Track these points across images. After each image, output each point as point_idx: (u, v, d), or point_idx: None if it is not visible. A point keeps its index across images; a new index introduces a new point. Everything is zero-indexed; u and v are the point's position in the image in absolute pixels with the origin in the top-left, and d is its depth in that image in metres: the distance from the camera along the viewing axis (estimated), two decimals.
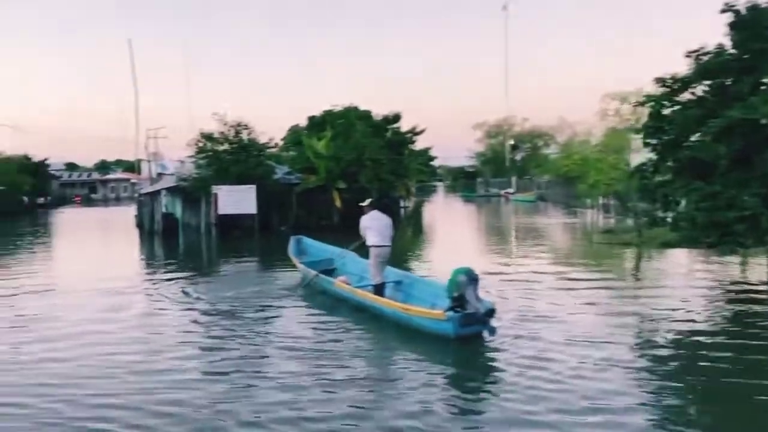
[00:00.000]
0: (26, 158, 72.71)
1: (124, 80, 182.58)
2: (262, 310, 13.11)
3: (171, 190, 35.16)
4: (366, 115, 38.84)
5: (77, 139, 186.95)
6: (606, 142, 41.06)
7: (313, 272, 14.51)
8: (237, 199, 30.52)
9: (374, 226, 12.40)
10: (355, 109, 39.16)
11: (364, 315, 12.13)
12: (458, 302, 9.79)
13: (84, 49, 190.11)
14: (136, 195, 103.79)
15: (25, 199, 65.34)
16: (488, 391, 8.09)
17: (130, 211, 63.92)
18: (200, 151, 32.70)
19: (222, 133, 32.87)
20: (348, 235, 18.83)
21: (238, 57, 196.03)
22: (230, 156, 32.08)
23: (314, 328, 11.44)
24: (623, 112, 43.13)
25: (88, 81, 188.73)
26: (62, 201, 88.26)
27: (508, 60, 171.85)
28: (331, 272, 15.04)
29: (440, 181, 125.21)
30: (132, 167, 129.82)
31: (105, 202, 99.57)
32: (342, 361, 9.34)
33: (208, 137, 32.84)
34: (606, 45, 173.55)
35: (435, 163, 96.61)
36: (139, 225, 40.74)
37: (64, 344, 10.70)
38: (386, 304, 11.60)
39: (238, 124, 32.96)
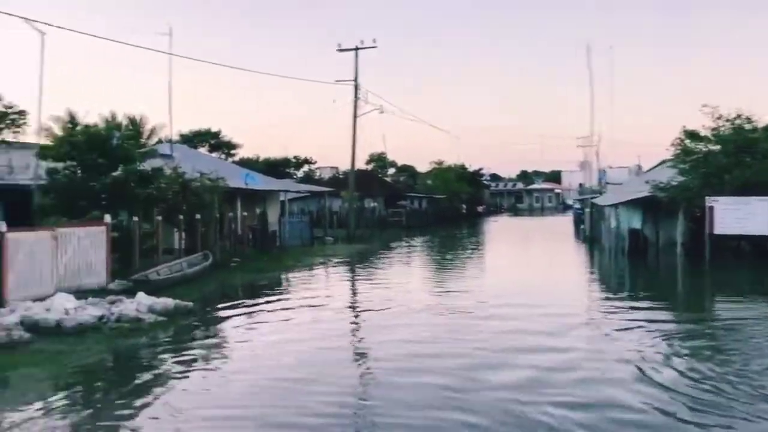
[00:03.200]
0: (462, 168, 75.86)
1: (538, 88, 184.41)
2: None
3: (632, 202, 29.43)
4: None
5: (500, 148, 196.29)
6: None
7: None
8: (743, 215, 22.92)
9: None
10: None
11: None
12: None
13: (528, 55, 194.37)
14: (561, 205, 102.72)
15: (464, 207, 67.66)
16: None
17: (559, 222, 61.54)
18: (684, 153, 26.04)
19: (713, 129, 25.63)
20: None
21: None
22: (727, 159, 24.59)
23: None
24: None
25: (514, 87, 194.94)
26: (493, 210, 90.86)
27: None
28: None
29: None
30: (553, 177, 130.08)
31: (530, 211, 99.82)
32: None
33: (693, 136, 26.00)
34: None
35: None
36: (589, 239, 36.54)
37: None
38: None
39: (737, 117, 25.26)
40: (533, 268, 25.21)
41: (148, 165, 20.34)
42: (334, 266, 24.61)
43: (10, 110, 30.39)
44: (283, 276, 21.21)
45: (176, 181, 21.68)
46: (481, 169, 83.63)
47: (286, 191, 36.96)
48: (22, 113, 28.95)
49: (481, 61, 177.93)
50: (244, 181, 29.53)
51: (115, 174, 18.95)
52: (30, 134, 22.55)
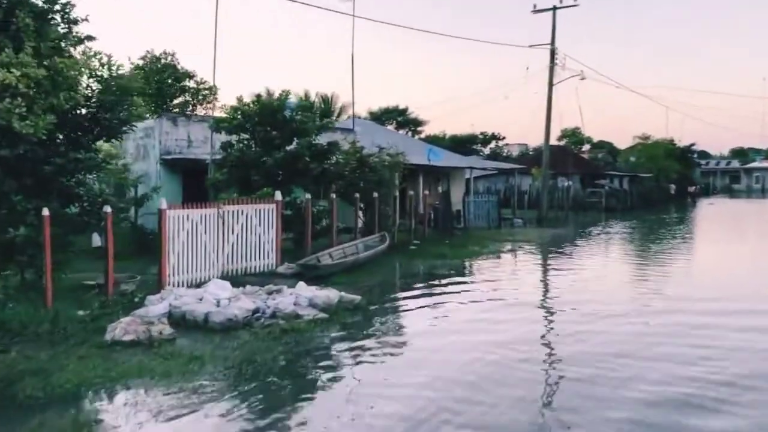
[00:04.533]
0: (671, 143, 67.57)
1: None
2: None
3: None
4: None
5: (709, 121, 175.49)
6: None
7: None
8: None
9: None
10: None
11: None
12: None
13: None
14: None
15: (672, 187, 60.07)
16: None
17: None
18: None
19: None
20: None
21: None
22: None
23: None
24: None
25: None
26: (705, 191, 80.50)
27: None
28: None
29: None
30: None
31: (748, 193, 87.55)
32: None
33: None
34: None
35: None
36: None
37: None
38: None
39: None
40: None
41: (325, 139, 18.92)
42: (524, 254, 21.64)
43: (201, 86, 31.26)
44: (467, 264, 18.68)
45: (353, 156, 20.07)
46: (692, 145, 74.12)
47: (471, 168, 34.35)
48: (212, 89, 29.51)
49: (687, 22, 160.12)
50: (427, 156, 27.47)
51: (288, 148, 17.68)
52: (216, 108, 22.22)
